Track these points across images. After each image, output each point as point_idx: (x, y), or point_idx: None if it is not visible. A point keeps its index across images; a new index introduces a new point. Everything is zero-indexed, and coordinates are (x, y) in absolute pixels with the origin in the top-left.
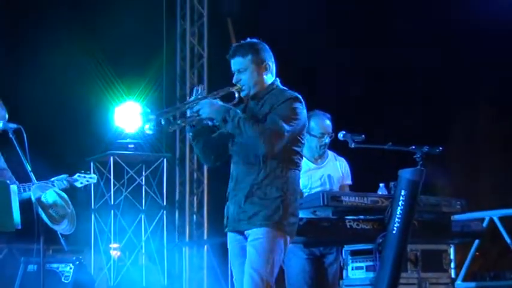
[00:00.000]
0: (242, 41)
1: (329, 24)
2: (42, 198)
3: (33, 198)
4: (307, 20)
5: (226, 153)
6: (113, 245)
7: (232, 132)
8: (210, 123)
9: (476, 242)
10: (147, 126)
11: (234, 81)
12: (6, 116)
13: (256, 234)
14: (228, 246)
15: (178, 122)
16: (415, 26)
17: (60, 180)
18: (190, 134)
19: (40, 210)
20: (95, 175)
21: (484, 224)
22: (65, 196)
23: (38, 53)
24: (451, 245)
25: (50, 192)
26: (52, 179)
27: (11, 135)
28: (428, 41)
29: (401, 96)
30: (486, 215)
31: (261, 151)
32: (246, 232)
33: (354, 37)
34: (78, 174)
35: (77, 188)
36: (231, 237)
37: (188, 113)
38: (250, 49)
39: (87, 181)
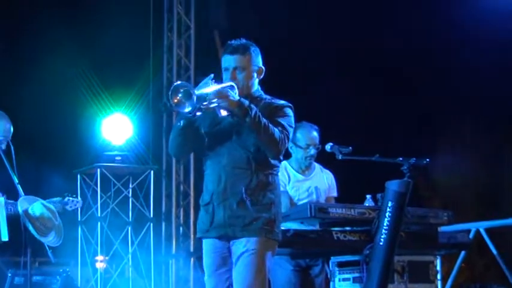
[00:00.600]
0: (241, 40)
1: (316, 33)
2: (29, 211)
3: (20, 211)
4: (293, 31)
5: (199, 150)
6: (99, 257)
7: (250, 127)
8: (220, 114)
9: (463, 253)
10: (177, 98)
11: (228, 78)
12: (12, 129)
13: (251, 245)
14: (205, 255)
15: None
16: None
17: (54, 203)
18: (183, 121)
19: (27, 223)
20: (80, 200)
21: (470, 236)
22: (53, 208)
23: (24, 64)
24: (438, 257)
25: (37, 205)
26: (47, 200)
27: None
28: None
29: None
30: (472, 226)
31: (271, 154)
32: (237, 240)
33: (342, 49)
34: (67, 197)
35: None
36: (210, 245)
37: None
38: (250, 50)
39: (75, 205)
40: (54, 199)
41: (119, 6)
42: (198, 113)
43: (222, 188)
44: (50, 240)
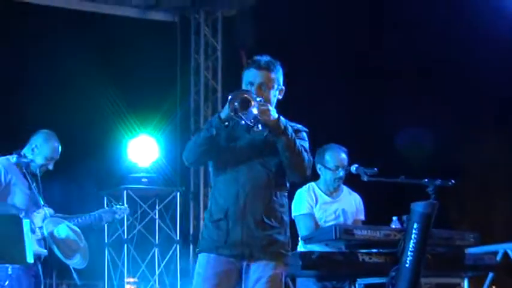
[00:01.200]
0: (267, 57)
1: (342, 51)
2: (55, 233)
3: (45, 233)
4: (324, 53)
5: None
6: (129, 279)
7: (284, 147)
8: (257, 128)
9: (491, 275)
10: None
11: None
12: (59, 149)
13: (269, 270)
14: (206, 270)
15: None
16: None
17: (106, 213)
18: (215, 130)
19: (52, 245)
20: (127, 207)
21: (498, 257)
22: (78, 230)
23: (51, 86)
24: (465, 278)
25: (62, 227)
26: (97, 211)
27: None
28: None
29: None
30: (500, 248)
31: (298, 177)
32: (254, 262)
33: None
34: (115, 206)
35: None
36: (216, 261)
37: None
38: (277, 68)
39: (123, 212)
40: (102, 209)
41: (145, 30)
42: (227, 124)
43: (242, 205)
44: (75, 262)
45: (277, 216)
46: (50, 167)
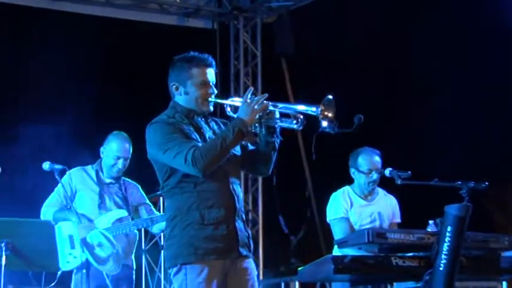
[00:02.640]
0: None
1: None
2: (88, 239)
3: (78, 239)
4: (359, 64)
5: None
6: None
7: (274, 147)
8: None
9: None
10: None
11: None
12: (131, 150)
13: (254, 267)
14: (210, 277)
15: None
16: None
17: (144, 221)
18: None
19: (86, 251)
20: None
21: None
22: (110, 236)
23: (82, 99)
24: (504, 282)
25: (94, 233)
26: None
27: (56, 176)
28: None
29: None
30: None
31: (267, 172)
32: (244, 260)
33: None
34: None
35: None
36: (218, 266)
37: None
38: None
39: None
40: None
41: (185, 37)
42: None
43: (236, 206)
44: (108, 268)
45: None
46: (120, 165)
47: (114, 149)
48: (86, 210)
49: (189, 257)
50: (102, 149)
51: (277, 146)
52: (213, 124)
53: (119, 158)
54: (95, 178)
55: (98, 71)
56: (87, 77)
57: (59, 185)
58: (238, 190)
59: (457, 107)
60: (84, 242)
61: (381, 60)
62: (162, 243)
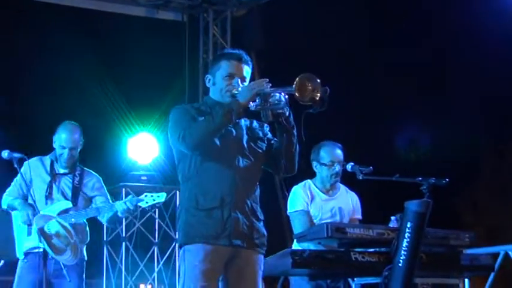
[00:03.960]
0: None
1: (349, 56)
2: (45, 228)
3: (35, 228)
4: (327, 54)
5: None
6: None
7: (287, 137)
8: (269, 118)
9: (492, 275)
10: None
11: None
12: (80, 140)
13: (261, 262)
14: (204, 261)
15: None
16: None
17: (125, 203)
18: (235, 118)
19: (43, 240)
20: (164, 193)
21: (499, 258)
22: (68, 226)
23: (49, 83)
24: (466, 279)
25: (52, 222)
26: (121, 201)
27: (15, 165)
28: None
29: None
30: (501, 249)
31: (292, 170)
32: (246, 251)
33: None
34: (145, 193)
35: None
36: (219, 252)
37: (272, 100)
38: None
39: (154, 200)
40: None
41: (154, 29)
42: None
43: (238, 193)
44: (65, 258)
45: (259, 211)
46: (65, 155)
47: (62, 139)
48: (35, 200)
49: (183, 239)
50: (54, 138)
51: (293, 138)
52: (242, 121)
53: (64, 148)
54: (48, 168)
55: (67, 60)
56: (55, 67)
57: (19, 173)
58: (245, 184)
59: (427, 103)
60: (41, 232)
61: (351, 55)
62: (123, 234)
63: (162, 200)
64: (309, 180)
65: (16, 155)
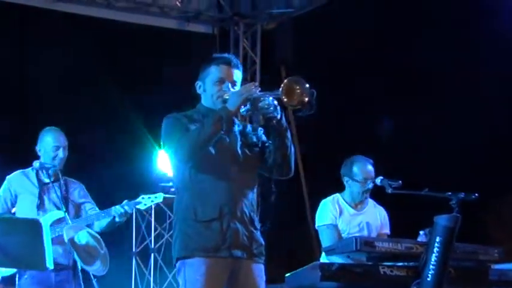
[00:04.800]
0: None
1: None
2: (75, 239)
3: (66, 239)
4: (359, 71)
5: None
6: None
7: (280, 140)
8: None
9: None
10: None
11: (227, 90)
12: (66, 140)
13: (260, 272)
14: (207, 275)
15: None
16: None
17: (122, 207)
18: (226, 125)
19: (73, 251)
20: (161, 193)
21: None
22: (98, 237)
23: (84, 96)
24: None
25: (82, 233)
26: (118, 205)
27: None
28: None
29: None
30: None
31: (288, 173)
32: (248, 261)
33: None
34: (142, 196)
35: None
36: (220, 265)
37: (262, 104)
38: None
39: (152, 201)
40: (123, 202)
41: (184, 42)
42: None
43: (236, 203)
44: (95, 269)
45: (256, 220)
46: (61, 154)
47: (51, 141)
48: (25, 213)
49: (181, 252)
50: (37, 147)
51: (287, 141)
52: (235, 126)
53: (58, 147)
54: (34, 180)
55: (97, 73)
56: (87, 79)
57: (1, 188)
58: (242, 192)
59: (453, 115)
60: (71, 242)
61: (381, 67)
62: (152, 246)
63: (161, 200)
64: (338, 194)
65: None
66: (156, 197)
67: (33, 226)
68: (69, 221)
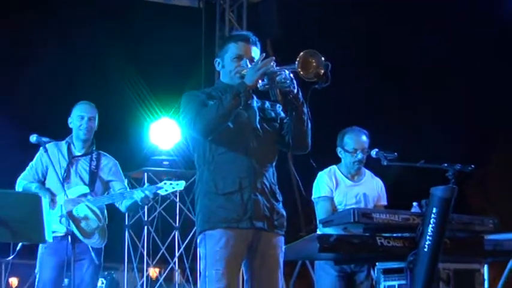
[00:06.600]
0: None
1: (363, 44)
2: (74, 212)
3: (60, 212)
4: (344, 41)
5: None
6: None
7: (297, 114)
8: (277, 97)
9: (511, 261)
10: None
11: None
12: (96, 113)
13: (281, 243)
14: (226, 246)
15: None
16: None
17: (143, 191)
18: (244, 99)
19: (71, 224)
20: (183, 181)
21: None
22: (96, 210)
23: (75, 69)
24: (485, 264)
25: (81, 206)
26: (140, 189)
27: (43, 149)
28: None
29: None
30: None
31: (306, 148)
32: (267, 233)
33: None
34: (164, 181)
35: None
36: (241, 236)
37: (279, 78)
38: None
39: (173, 187)
40: (144, 187)
41: (169, 15)
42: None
43: (256, 176)
44: (93, 241)
45: (278, 192)
46: (85, 124)
47: (78, 111)
48: (51, 184)
49: (204, 225)
50: (69, 119)
51: (304, 116)
52: (254, 102)
53: (82, 117)
54: (65, 152)
55: (88, 46)
56: (75, 53)
57: (34, 158)
58: (262, 165)
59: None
60: (70, 215)
61: (369, 43)
62: (145, 218)
63: (181, 188)
64: (334, 166)
65: (44, 139)
66: (177, 184)
67: (33, 200)
68: (89, 197)
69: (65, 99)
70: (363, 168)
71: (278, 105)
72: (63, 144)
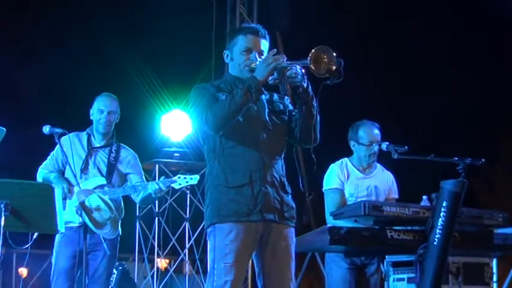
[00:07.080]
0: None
1: (371, 40)
2: (86, 203)
3: (76, 203)
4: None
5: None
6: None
7: (307, 108)
8: (301, 87)
9: None
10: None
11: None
12: (117, 107)
13: (292, 235)
14: (236, 239)
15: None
16: None
17: (157, 183)
18: (255, 94)
19: (83, 214)
20: (197, 176)
21: None
22: (109, 201)
23: (81, 60)
24: (494, 258)
25: (93, 197)
26: (154, 181)
27: (56, 140)
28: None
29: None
30: None
31: (313, 141)
32: (277, 225)
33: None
34: (178, 175)
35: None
36: (251, 229)
37: (290, 73)
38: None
39: (187, 182)
40: (160, 179)
41: (181, 7)
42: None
43: (266, 169)
44: (105, 232)
45: (286, 180)
46: (104, 118)
47: (97, 105)
48: (69, 175)
49: (213, 218)
50: (90, 111)
51: (313, 110)
52: (262, 96)
53: (102, 111)
54: (85, 143)
55: (100, 37)
56: (87, 43)
57: (55, 148)
58: (271, 158)
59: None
60: (82, 206)
61: (379, 37)
62: (156, 210)
63: (195, 182)
64: (346, 159)
65: (57, 130)
66: (191, 178)
67: (46, 190)
68: (106, 188)
69: (76, 91)
70: (374, 161)
71: (286, 97)
72: (83, 135)
